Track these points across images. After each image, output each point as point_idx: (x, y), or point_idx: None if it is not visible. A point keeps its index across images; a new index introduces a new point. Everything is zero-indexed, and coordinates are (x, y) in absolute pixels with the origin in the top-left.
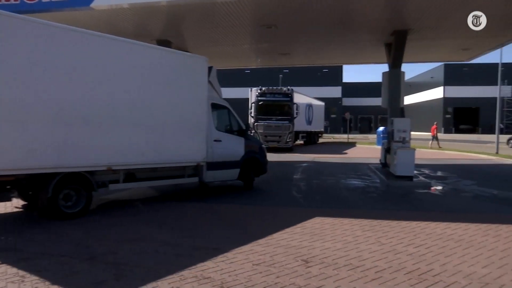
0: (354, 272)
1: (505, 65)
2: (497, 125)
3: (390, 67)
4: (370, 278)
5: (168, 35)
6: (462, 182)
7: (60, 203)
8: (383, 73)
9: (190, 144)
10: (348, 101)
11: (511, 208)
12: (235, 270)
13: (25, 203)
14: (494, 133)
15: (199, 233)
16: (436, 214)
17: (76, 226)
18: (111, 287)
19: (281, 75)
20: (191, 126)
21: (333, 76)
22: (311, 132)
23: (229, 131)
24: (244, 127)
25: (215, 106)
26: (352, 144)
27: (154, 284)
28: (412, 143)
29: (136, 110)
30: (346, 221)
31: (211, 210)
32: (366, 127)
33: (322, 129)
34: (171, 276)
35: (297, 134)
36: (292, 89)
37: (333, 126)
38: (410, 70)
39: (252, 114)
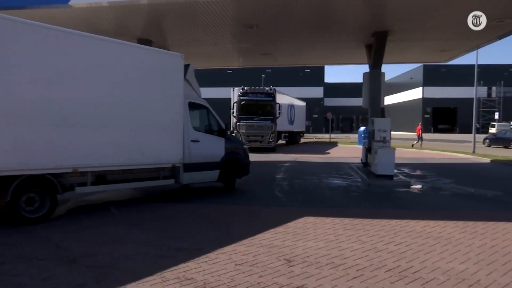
0: (336, 271)
1: (481, 66)
2: (474, 124)
3: (370, 67)
4: (351, 276)
5: (149, 34)
6: (441, 180)
7: (21, 207)
8: (364, 74)
9: (165, 145)
10: (330, 101)
11: (487, 206)
12: (217, 271)
13: None
14: (471, 132)
15: (182, 234)
16: (415, 212)
17: (54, 228)
18: None
19: (263, 75)
20: (166, 126)
21: (315, 76)
22: (293, 132)
23: (208, 131)
24: (224, 127)
25: (193, 105)
26: (334, 144)
27: (135, 286)
28: (397, 143)
29: (105, 109)
30: (328, 220)
31: (194, 211)
32: (348, 127)
33: (304, 129)
34: (152, 278)
35: (279, 134)
36: (274, 89)
37: (315, 126)
38: (390, 71)
39: (234, 114)
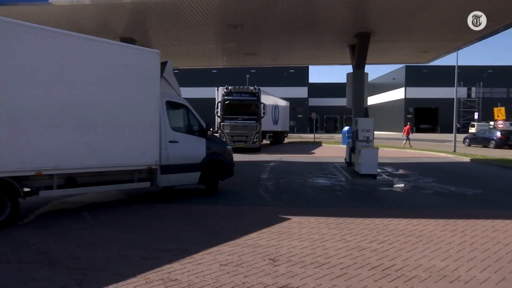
0: (320, 270)
1: (461, 67)
2: (455, 124)
3: (354, 68)
4: (335, 275)
5: (132, 33)
6: (423, 179)
7: None
8: (348, 74)
9: (140, 146)
10: (314, 101)
11: (467, 204)
12: (202, 271)
13: None
14: (452, 132)
15: (166, 235)
16: (398, 211)
17: (33, 230)
18: None
19: (248, 75)
20: (141, 126)
21: (299, 76)
22: (277, 132)
23: (188, 131)
24: (204, 127)
25: (171, 104)
26: (318, 144)
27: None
28: (380, 143)
29: (72, 108)
30: (312, 219)
31: (178, 211)
32: (332, 127)
33: (288, 129)
34: (136, 280)
35: (264, 134)
36: (259, 88)
37: (300, 126)
38: (373, 72)
39: (218, 114)
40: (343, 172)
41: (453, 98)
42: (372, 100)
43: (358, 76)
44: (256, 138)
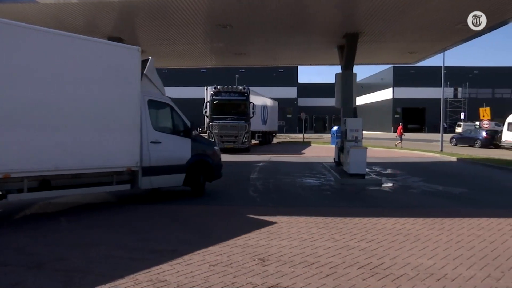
0: (309, 269)
1: (447, 68)
2: (441, 124)
3: (342, 68)
4: (325, 274)
5: (120, 32)
6: (410, 179)
7: None
8: (336, 74)
9: (118, 147)
10: (303, 101)
11: (454, 203)
12: (191, 272)
13: None
14: (439, 132)
15: (155, 236)
16: (386, 210)
17: (19, 233)
18: None
19: (237, 75)
20: (119, 126)
21: (288, 76)
22: (266, 132)
23: (172, 131)
24: (189, 127)
25: (153, 104)
26: (307, 144)
27: None
28: (369, 143)
29: (45, 107)
30: (302, 219)
31: (167, 212)
32: (321, 127)
33: (276, 129)
34: (124, 281)
35: (253, 134)
36: (248, 88)
37: (289, 126)
38: (362, 72)
39: (207, 114)
40: (332, 172)
41: (440, 99)
42: (360, 100)
43: (346, 76)
44: (245, 138)
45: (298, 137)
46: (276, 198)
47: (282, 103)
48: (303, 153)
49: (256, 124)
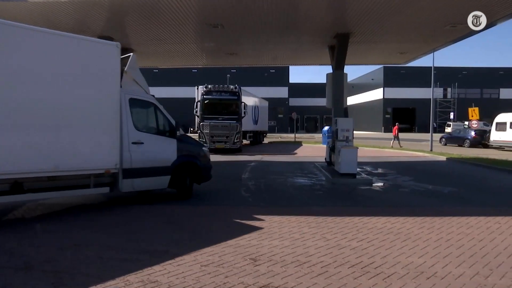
0: (301, 268)
1: (437, 68)
2: (431, 124)
3: (333, 68)
4: (316, 273)
5: (111, 32)
6: (401, 178)
7: None
8: (327, 75)
9: (96, 148)
10: (295, 101)
11: (443, 202)
12: (183, 272)
13: None
14: (428, 131)
15: (146, 236)
16: (377, 209)
17: (7, 234)
18: None
19: (228, 75)
20: (96, 125)
21: (280, 76)
22: (257, 131)
23: (156, 131)
24: (175, 127)
25: (136, 102)
26: (299, 144)
27: None
28: (360, 142)
29: (10, 107)
30: (293, 218)
31: (158, 212)
32: (312, 127)
33: (267, 129)
34: (115, 282)
35: (244, 134)
36: (239, 87)
37: (280, 125)
38: (353, 72)
39: (198, 114)
40: (323, 172)
41: (430, 99)
42: (351, 100)
43: (337, 76)
44: (236, 139)
45: (289, 137)
46: (267, 198)
47: (274, 103)
48: (295, 153)
49: (247, 124)
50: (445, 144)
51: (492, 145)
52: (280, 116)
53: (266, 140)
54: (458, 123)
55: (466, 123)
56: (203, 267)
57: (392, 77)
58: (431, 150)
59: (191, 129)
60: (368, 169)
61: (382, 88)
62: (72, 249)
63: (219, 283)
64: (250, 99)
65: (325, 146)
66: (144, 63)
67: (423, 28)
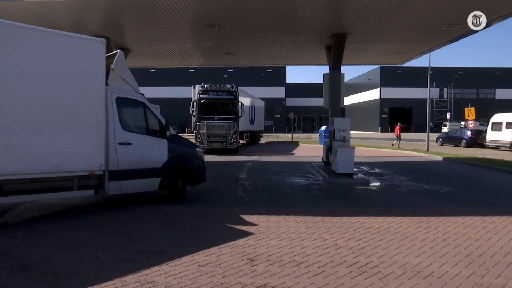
0: (298, 268)
1: (433, 69)
2: (428, 124)
3: (330, 68)
4: (313, 273)
5: (107, 31)
6: (398, 178)
7: None
8: (324, 75)
9: (79, 149)
10: (292, 101)
11: (440, 201)
12: (180, 273)
13: None
14: (425, 131)
15: (143, 237)
16: (374, 209)
17: (6, 234)
18: None
19: (225, 75)
20: (79, 125)
21: (277, 76)
22: (254, 131)
23: (145, 131)
24: (165, 127)
25: (123, 101)
26: (296, 143)
27: None
28: (356, 142)
29: None
30: (290, 218)
31: (155, 213)
32: (309, 127)
33: (263, 129)
34: (112, 283)
35: (241, 134)
36: (236, 87)
37: (278, 125)
38: (350, 72)
39: (194, 113)
40: (320, 171)
41: (426, 99)
42: (348, 100)
43: (334, 76)
44: (233, 139)
45: (286, 137)
46: (265, 198)
47: (271, 103)
48: (292, 153)
49: (244, 124)
50: (442, 144)
51: (488, 145)
52: (277, 116)
53: (263, 140)
54: (455, 123)
55: (463, 123)
56: (200, 267)
57: (388, 77)
58: (428, 150)
59: (188, 129)
60: (365, 169)
61: (379, 88)
62: (68, 249)
63: (216, 283)
64: (246, 98)
65: (322, 146)
66: (141, 63)
67: (420, 28)
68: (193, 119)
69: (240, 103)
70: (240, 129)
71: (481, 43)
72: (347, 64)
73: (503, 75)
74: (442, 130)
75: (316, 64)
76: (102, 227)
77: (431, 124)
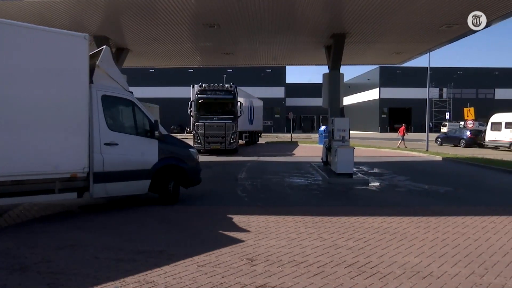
0: (297, 268)
1: (433, 69)
2: (427, 124)
3: (330, 68)
4: (313, 273)
5: (106, 31)
6: (397, 178)
7: None
8: (324, 75)
9: (59, 150)
10: (291, 101)
11: (439, 201)
12: (179, 273)
13: None
14: (424, 131)
15: (142, 237)
16: (373, 209)
17: (4, 235)
18: None
19: (225, 75)
20: (60, 125)
21: (276, 76)
22: (252, 131)
23: (133, 131)
24: (155, 127)
25: (109, 100)
26: (295, 143)
27: None
28: (356, 142)
29: None
30: (290, 218)
31: (155, 213)
32: (309, 127)
33: (261, 129)
34: (112, 283)
35: (240, 134)
36: (235, 86)
37: (277, 125)
38: (349, 72)
39: (192, 113)
40: (320, 171)
41: (426, 99)
42: (347, 100)
43: (334, 76)
44: (233, 139)
45: (286, 137)
46: (264, 197)
47: (270, 103)
48: (291, 153)
49: (243, 123)
50: (441, 144)
51: (487, 145)
52: (276, 116)
53: (262, 140)
54: (454, 123)
55: (462, 123)
56: (199, 267)
57: (388, 77)
58: (427, 150)
59: (188, 129)
60: (365, 169)
61: (378, 88)
62: (68, 249)
63: (215, 283)
64: (245, 98)
65: (321, 146)
66: (140, 63)
67: (419, 28)
68: (192, 119)
69: (239, 103)
70: (239, 129)
71: (480, 43)
72: (346, 64)
73: (502, 75)
74: (441, 130)
75: (316, 64)
76: (101, 227)
77: (430, 124)
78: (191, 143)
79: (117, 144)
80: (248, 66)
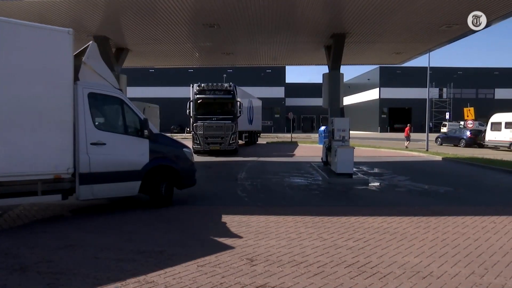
0: (297, 268)
1: (432, 69)
2: (427, 124)
3: (330, 68)
4: (313, 273)
5: (106, 31)
6: (397, 178)
7: None
8: (324, 75)
9: (42, 150)
10: (291, 101)
11: (439, 201)
12: (179, 273)
13: None
14: (424, 131)
15: (142, 237)
16: (373, 209)
17: (4, 235)
18: None
19: (225, 75)
20: (43, 124)
21: (276, 76)
22: (252, 132)
23: (122, 130)
24: (146, 126)
25: (97, 97)
26: (295, 144)
27: None
28: (356, 142)
29: None
30: (290, 218)
31: (154, 213)
32: (309, 127)
33: (260, 129)
34: (112, 283)
35: (240, 135)
36: (234, 86)
37: (277, 125)
38: (349, 72)
39: (191, 114)
40: (320, 171)
41: (426, 99)
42: (347, 100)
43: (333, 76)
44: (232, 140)
45: (286, 137)
46: (264, 197)
47: (270, 103)
48: (291, 153)
49: (243, 124)
50: (441, 144)
51: (487, 145)
52: (276, 116)
53: (262, 140)
54: (454, 123)
55: (462, 123)
56: (199, 267)
57: (388, 77)
58: (427, 150)
59: (188, 129)
60: (365, 169)
61: (378, 88)
62: (67, 249)
63: (215, 283)
64: (244, 98)
65: (321, 146)
66: (140, 63)
67: (419, 28)
68: (191, 120)
69: (238, 103)
70: (238, 129)
71: (480, 43)
72: (346, 64)
73: (502, 75)
74: (441, 130)
75: (316, 64)
76: (101, 227)
77: (430, 124)
78: (190, 143)
79: (104, 144)
80: (248, 66)
